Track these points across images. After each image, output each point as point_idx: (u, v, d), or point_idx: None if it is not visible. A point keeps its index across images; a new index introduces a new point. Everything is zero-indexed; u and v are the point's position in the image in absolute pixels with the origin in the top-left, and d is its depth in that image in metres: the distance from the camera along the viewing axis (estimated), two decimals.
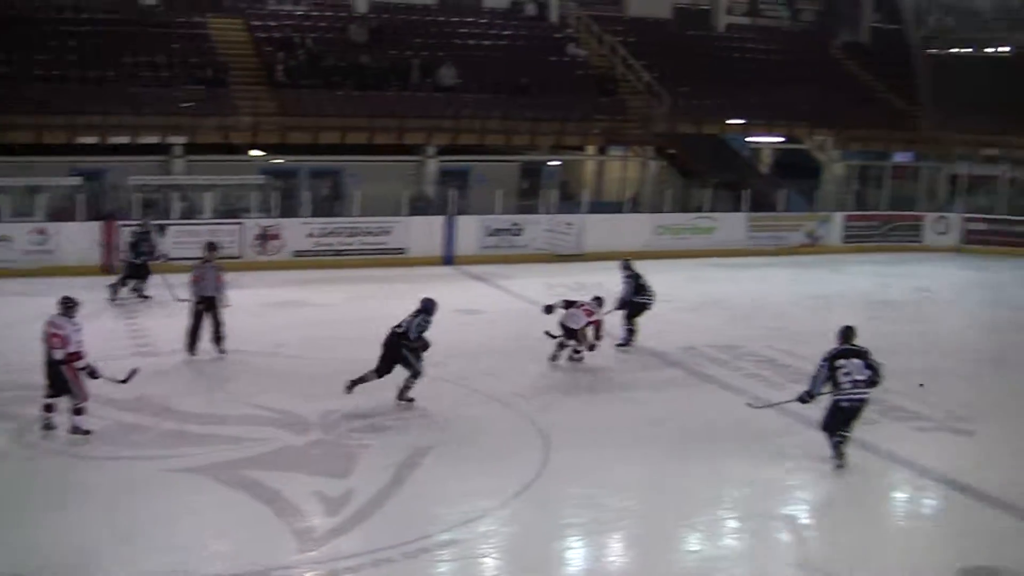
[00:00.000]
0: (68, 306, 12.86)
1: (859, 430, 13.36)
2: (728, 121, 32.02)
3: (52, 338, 12.62)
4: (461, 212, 26.97)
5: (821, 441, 13.68)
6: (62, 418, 12.83)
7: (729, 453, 13.52)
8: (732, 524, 11.64)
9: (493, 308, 21.05)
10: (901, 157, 35.02)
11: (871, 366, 12.55)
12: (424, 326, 14.51)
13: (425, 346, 14.57)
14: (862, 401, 12.65)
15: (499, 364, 17.03)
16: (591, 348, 17.07)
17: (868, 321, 20.63)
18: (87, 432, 12.73)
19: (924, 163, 34.01)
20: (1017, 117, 32.39)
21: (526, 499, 11.68)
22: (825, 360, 12.65)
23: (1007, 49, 39.06)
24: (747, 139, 33.69)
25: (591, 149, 32.55)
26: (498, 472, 12.39)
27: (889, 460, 13.59)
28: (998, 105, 32.72)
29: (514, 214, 27.63)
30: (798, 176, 32.94)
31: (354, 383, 14.45)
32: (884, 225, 31.96)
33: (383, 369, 14.51)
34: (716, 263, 27.45)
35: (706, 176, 31.04)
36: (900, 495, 13.14)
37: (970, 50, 38.54)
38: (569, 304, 16.98)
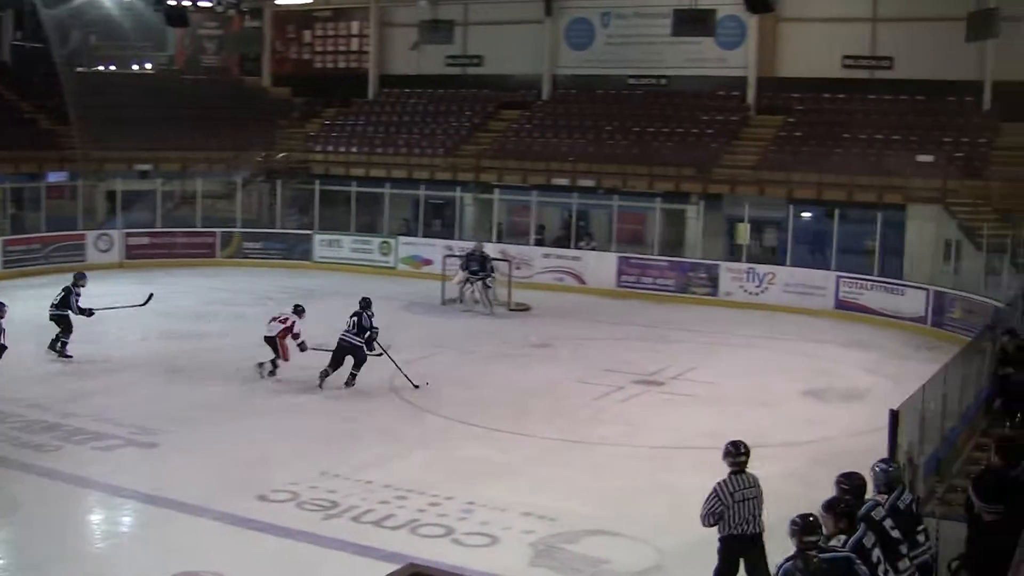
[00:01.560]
0: None
1: (43, 458, 14.00)
2: None
3: None
4: None
5: None
6: None
7: None
8: None
9: None
10: (55, 177, 34.28)
11: (363, 321, 17.79)
12: None
13: None
14: (347, 343, 17.79)
15: None
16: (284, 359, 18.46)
17: (36, 347, 20.13)
18: None
19: (80, 181, 33.70)
20: (165, 132, 33.68)
21: None
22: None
23: (150, 66, 40.20)
24: None
25: None
26: None
27: (80, 485, 13.46)
28: (146, 120, 33.70)
29: None
30: None
31: None
32: (45, 247, 31.24)
33: None
34: None
35: None
36: (96, 517, 13.05)
37: (114, 68, 39.10)
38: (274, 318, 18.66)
